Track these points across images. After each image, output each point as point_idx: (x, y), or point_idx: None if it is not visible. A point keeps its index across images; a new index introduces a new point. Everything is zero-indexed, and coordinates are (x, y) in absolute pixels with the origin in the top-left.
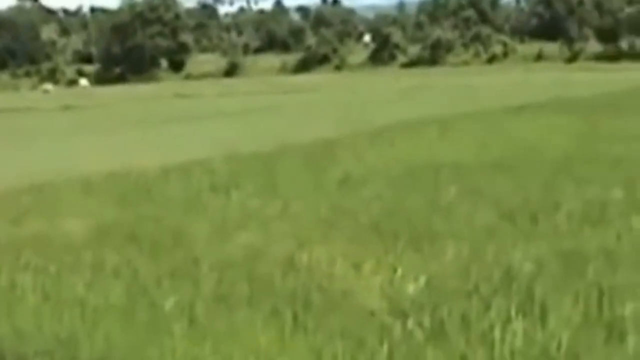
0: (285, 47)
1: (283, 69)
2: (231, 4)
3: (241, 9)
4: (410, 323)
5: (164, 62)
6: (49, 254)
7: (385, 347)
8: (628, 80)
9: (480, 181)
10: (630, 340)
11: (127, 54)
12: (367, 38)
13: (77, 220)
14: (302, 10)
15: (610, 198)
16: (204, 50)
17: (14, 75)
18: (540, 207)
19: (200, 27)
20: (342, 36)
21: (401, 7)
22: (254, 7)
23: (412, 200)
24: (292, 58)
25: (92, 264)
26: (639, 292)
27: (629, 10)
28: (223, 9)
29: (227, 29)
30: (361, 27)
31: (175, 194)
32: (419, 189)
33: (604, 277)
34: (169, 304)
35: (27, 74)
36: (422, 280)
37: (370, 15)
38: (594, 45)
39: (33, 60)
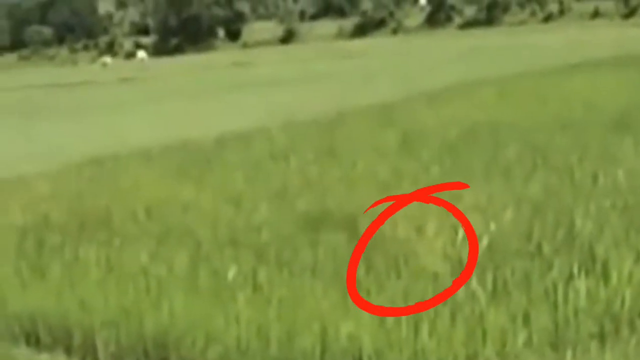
0: (341, 13)
1: (340, 35)
2: None
3: None
4: (472, 284)
5: (220, 32)
6: (112, 227)
7: (448, 308)
8: None
9: (539, 140)
10: None
11: (184, 25)
12: (422, 1)
13: (137, 192)
14: None
15: None
16: (260, 18)
17: (73, 50)
18: (600, 164)
19: None
20: (399, 0)
21: None
22: None
23: (471, 161)
24: (349, 23)
25: (155, 235)
26: None
27: None
28: None
29: None
30: None
31: (234, 162)
32: (478, 150)
33: None
34: (231, 272)
35: (86, 48)
36: (485, 240)
37: None
38: None
39: (91, 34)
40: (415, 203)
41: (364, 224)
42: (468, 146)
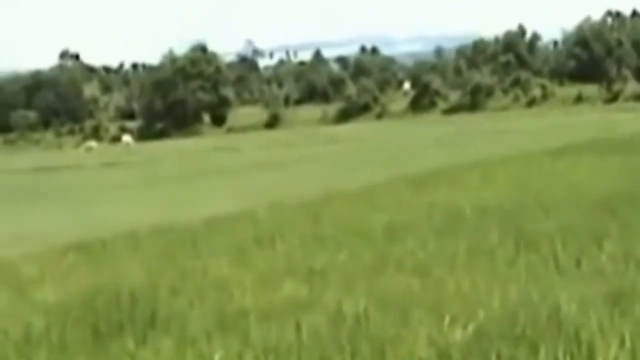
0: (325, 98)
1: (324, 119)
2: (271, 56)
3: (281, 61)
4: None
5: (206, 117)
6: (97, 311)
7: None
8: None
9: (523, 224)
10: None
11: (169, 109)
12: (407, 86)
13: (123, 276)
14: (341, 60)
15: None
16: (245, 103)
17: (58, 134)
18: (584, 248)
19: (241, 81)
20: (382, 85)
21: (439, 52)
22: (294, 59)
23: (456, 246)
24: (333, 108)
25: (140, 320)
26: None
27: None
28: (263, 62)
29: (268, 81)
30: (401, 75)
31: (220, 246)
32: (462, 235)
33: None
34: (218, 356)
35: (71, 132)
36: (470, 327)
37: (409, 62)
38: (633, 86)
39: (76, 119)
40: (402, 288)
41: (350, 310)
42: (452, 231)
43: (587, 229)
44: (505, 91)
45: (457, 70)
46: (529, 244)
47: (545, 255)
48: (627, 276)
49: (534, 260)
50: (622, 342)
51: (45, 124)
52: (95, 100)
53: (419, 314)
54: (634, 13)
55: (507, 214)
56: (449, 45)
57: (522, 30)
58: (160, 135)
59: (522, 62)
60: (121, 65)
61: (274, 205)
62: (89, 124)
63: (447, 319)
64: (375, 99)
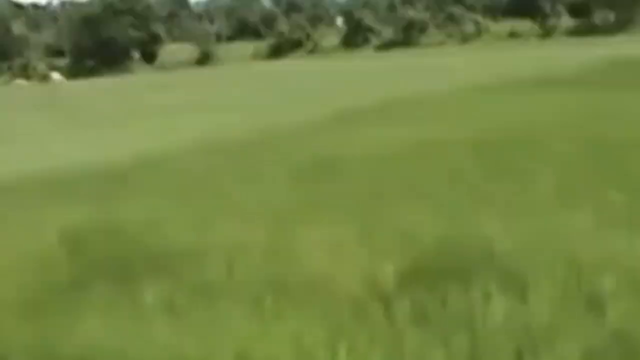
0: (257, 34)
1: (256, 56)
2: None
3: None
4: (390, 306)
5: (136, 54)
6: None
7: (366, 330)
8: (603, 54)
9: (456, 159)
10: (611, 311)
11: (98, 47)
12: (339, 22)
13: (57, 217)
14: None
15: (588, 174)
16: (176, 40)
17: None
18: (518, 184)
19: (171, 17)
20: (315, 21)
21: None
22: None
23: (392, 182)
24: (265, 45)
25: (76, 260)
26: (616, 264)
27: None
28: None
29: (199, 18)
30: (333, 11)
31: (153, 186)
32: (397, 170)
33: (581, 251)
34: (149, 296)
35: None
36: (402, 262)
37: None
38: (567, 21)
39: (4, 57)
40: (334, 226)
41: (283, 247)
42: (386, 167)
43: (523, 166)
44: (438, 27)
45: (391, 6)
46: (461, 180)
47: (479, 189)
48: (559, 212)
49: (467, 196)
50: (554, 276)
51: None
52: (23, 38)
53: (352, 250)
54: None
55: (440, 149)
56: None
57: None
58: (91, 73)
59: None
60: (50, 2)
61: (207, 144)
62: (18, 61)
63: (379, 255)
64: (308, 35)
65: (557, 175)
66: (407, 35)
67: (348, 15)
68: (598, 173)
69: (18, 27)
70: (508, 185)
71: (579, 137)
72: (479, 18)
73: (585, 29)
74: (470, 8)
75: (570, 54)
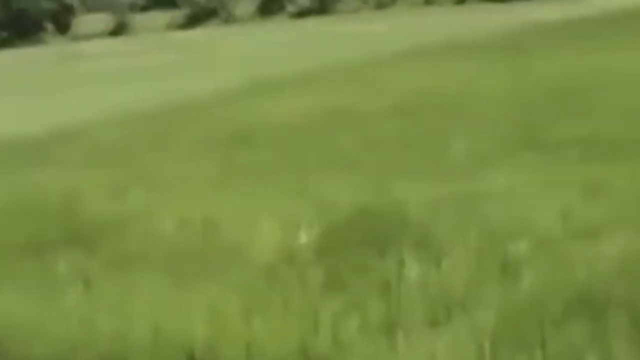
0: (172, 4)
1: (172, 25)
2: None
3: None
4: (304, 274)
5: (49, 25)
6: None
7: (280, 299)
8: (520, 18)
9: (374, 127)
10: (525, 277)
11: (11, 19)
12: None
13: None
14: None
15: (503, 137)
16: (89, 10)
17: None
18: (433, 150)
19: None
20: None
21: None
22: None
23: (308, 151)
24: (180, 14)
25: None
26: (532, 229)
27: None
28: None
29: None
30: None
31: (69, 157)
32: (314, 139)
33: (495, 216)
34: (63, 268)
35: None
36: (317, 230)
37: None
38: None
39: None
40: (249, 195)
41: (197, 217)
42: (304, 135)
43: (440, 131)
44: None
45: None
46: (377, 147)
47: (395, 158)
48: (476, 177)
49: (383, 163)
50: (470, 241)
51: None
52: None
53: (267, 219)
54: None
55: (359, 117)
56: None
57: None
58: (4, 44)
59: None
60: None
61: (125, 114)
62: None
63: (294, 223)
64: (223, 4)
65: (472, 139)
66: (323, 3)
67: None
68: (512, 136)
69: None
70: (424, 151)
71: (493, 100)
72: None
73: None
74: None
75: (484, 19)
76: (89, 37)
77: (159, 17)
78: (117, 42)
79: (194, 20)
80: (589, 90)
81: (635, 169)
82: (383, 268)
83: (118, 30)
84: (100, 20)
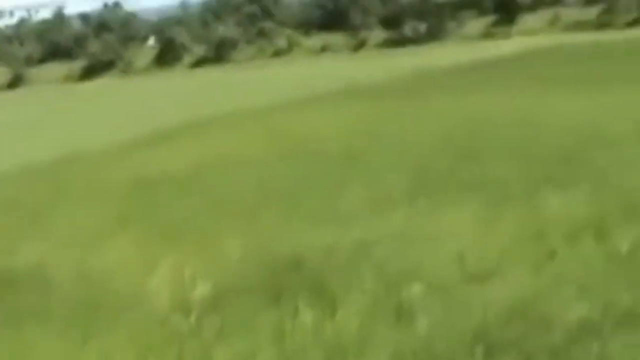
0: (69, 56)
1: (69, 78)
2: (11, 15)
3: (22, 20)
4: (198, 323)
5: None
6: None
7: (175, 348)
8: (415, 64)
9: (269, 174)
10: (420, 320)
11: None
12: (151, 41)
13: None
14: (84, 17)
15: (396, 185)
16: None
17: None
18: (331, 195)
19: None
20: (126, 40)
21: (184, 6)
22: (35, 17)
23: (203, 200)
24: (77, 66)
25: None
26: (426, 273)
27: None
28: (2, 22)
29: (9, 40)
30: (145, 30)
31: None
32: (209, 188)
33: (391, 261)
34: None
35: None
36: (212, 279)
37: (155, 17)
38: (378, 33)
39: None
40: (145, 245)
41: (92, 268)
42: (200, 184)
43: (331, 177)
44: (250, 43)
45: (203, 23)
46: (270, 192)
47: (291, 202)
48: (366, 222)
49: (276, 209)
50: (363, 287)
51: None
52: None
53: (163, 269)
54: None
55: (254, 165)
56: None
57: None
58: None
59: (267, 13)
60: None
61: (21, 166)
62: None
63: (188, 273)
64: (120, 55)
65: (368, 184)
66: (219, 52)
67: (160, 34)
68: (407, 181)
69: None
70: (319, 197)
71: (389, 146)
72: (291, 32)
73: (397, 41)
74: (282, 23)
75: (380, 65)
76: None
77: (56, 69)
78: (14, 95)
79: (91, 71)
80: (481, 133)
81: (527, 210)
82: (277, 316)
83: (14, 83)
84: None
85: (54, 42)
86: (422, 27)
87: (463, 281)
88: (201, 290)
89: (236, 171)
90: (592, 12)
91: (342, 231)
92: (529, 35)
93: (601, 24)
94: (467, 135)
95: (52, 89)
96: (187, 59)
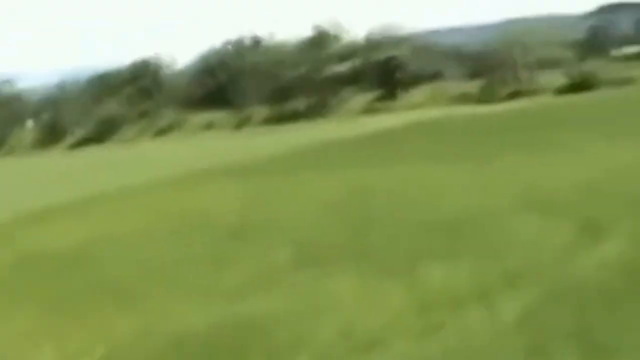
0: None
1: None
2: None
3: None
4: None
5: None
6: None
7: None
8: (299, 140)
9: (154, 251)
10: None
11: None
12: (29, 122)
13: None
14: None
15: (280, 259)
16: None
17: None
18: (211, 271)
19: None
20: (7, 122)
21: (66, 85)
22: None
23: (82, 278)
24: None
25: None
26: (311, 345)
27: (292, 73)
28: None
29: None
30: (28, 110)
31: None
32: (89, 266)
33: (276, 335)
34: None
35: None
36: (98, 356)
37: (37, 97)
38: (261, 110)
39: None
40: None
41: None
42: (85, 261)
43: (214, 254)
44: (134, 122)
45: (86, 103)
46: (151, 270)
47: (170, 280)
48: (252, 299)
49: (158, 285)
50: None
51: None
52: None
53: (47, 346)
54: (256, 39)
55: (134, 241)
56: (80, 77)
57: (147, 62)
58: None
59: (149, 93)
60: None
61: None
62: None
63: (73, 349)
64: (1, 135)
65: (249, 259)
66: (102, 132)
67: (42, 114)
68: (288, 255)
69: None
70: (203, 273)
71: (270, 221)
72: (175, 111)
73: (281, 117)
74: (165, 101)
75: (262, 142)
76: None
77: None
78: None
79: None
80: (364, 206)
81: (410, 281)
82: None
83: None
84: None
85: None
86: (306, 103)
87: (347, 353)
88: None
89: (120, 249)
90: (474, 85)
91: (228, 307)
92: (413, 109)
93: (482, 97)
94: (350, 208)
95: None
96: (69, 139)
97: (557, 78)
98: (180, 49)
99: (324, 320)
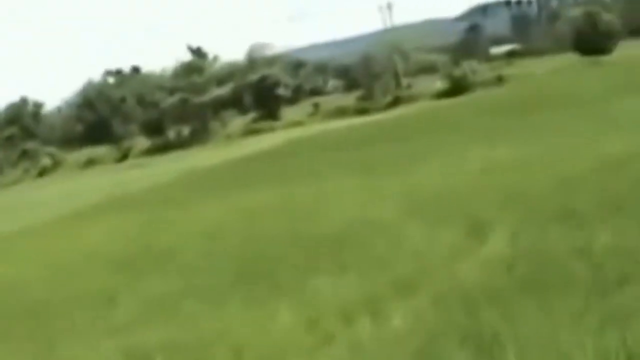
0: None
1: None
2: None
3: None
4: None
5: None
6: None
7: None
8: (180, 168)
9: (36, 294)
10: None
11: None
12: None
13: None
14: None
15: (166, 288)
16: None
17: None
18: (99, 308)
19: None
20: None
21: None
22: None
23: None
24: None
25: None
26: None
27: (171, 100)
28: None
29: None
30: None
31: None
32: None
33: None
34: None
35: None
36: None
37: None
38: (142, 141)
39: None
40: None
41: None
42: None
43: (100, 288)
44: (13, 165)
45: None
46: (37, 311)
47: (57, 319)
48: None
49: (45, 326)
50: None
51: None
52: None
53: None
54: (135, 69)
55: (24, 285)
56: None
57: (24, 101)
58: None
59: (28, 133)
60: None
61: None
62: None
63: None
64: None
65: (136, 293)
66: None
67: None
68: (180, 281)
69: None
70: (92, 310)
71: (156, 253)
72: (54, 150)
73: (161, 147)
74: (45, 141)
75: (143, 173)
76: None
77: None
78: None
79: None
80: (249, 227)
81: (299, 298)
82: None
83: None
84: None
85: None
86: (185, 130)
87: None
88: None
89: (8, 293)
90: (350, 98)
91: (119, 340)
92: (292, 127)
93: (359, 109)
94: (235, 231)
95: None
96: None
97: (435, 83)
98: (52, 85)
99: (215, 348)
